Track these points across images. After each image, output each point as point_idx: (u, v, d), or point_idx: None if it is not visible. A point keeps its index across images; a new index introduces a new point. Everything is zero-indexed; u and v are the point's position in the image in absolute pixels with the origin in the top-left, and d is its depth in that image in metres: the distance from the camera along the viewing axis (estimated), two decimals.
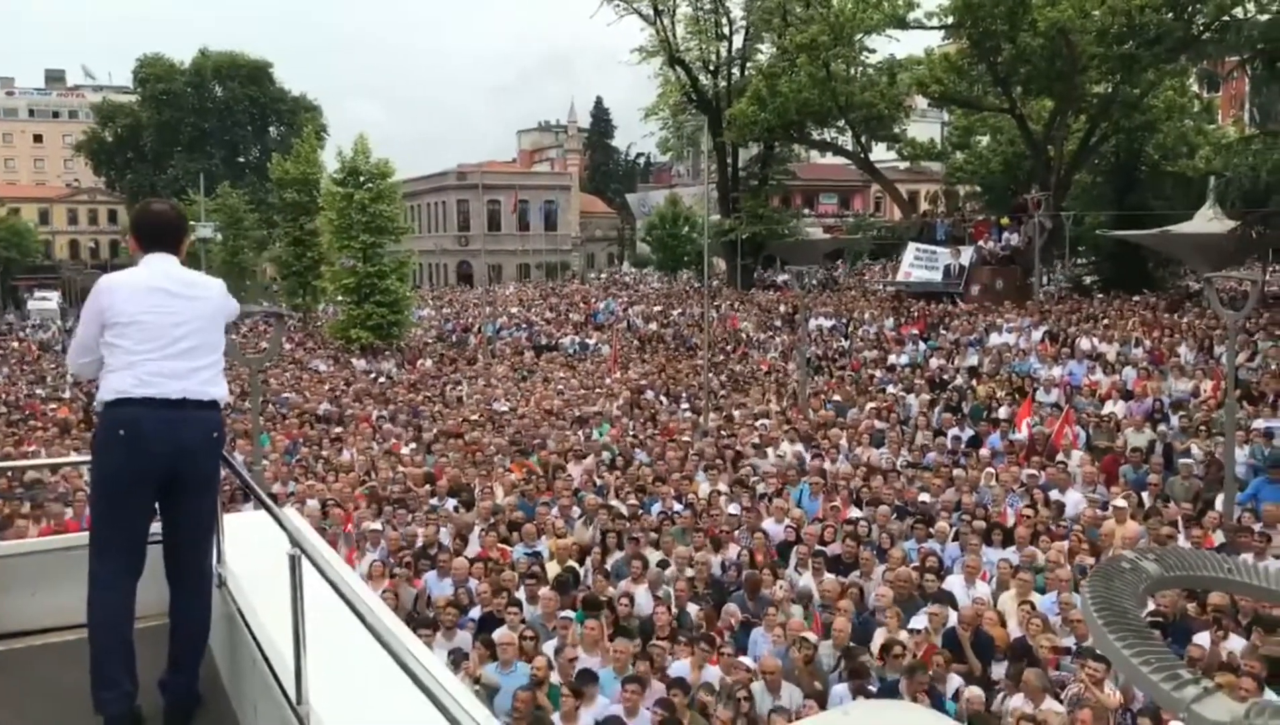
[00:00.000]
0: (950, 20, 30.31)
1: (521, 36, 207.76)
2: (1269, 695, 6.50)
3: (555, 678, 7.31)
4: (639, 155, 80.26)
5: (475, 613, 8.63)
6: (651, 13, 37.72)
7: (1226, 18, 27.13)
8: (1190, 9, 27.15)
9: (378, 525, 10.61)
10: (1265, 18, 24.75)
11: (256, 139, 64.70)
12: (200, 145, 61.90)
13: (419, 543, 10.31)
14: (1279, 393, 14.03)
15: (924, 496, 11.44)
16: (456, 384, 22.07)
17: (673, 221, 47.61)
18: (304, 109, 62.84)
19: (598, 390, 20.82)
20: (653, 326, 30.20)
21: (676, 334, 28.58)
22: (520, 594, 8.83)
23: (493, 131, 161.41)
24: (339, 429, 17.00)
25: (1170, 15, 26.78)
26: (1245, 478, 11.39)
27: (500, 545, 10.27)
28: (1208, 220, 23.74)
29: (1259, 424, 12.87)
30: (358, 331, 28.92)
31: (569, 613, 8.36)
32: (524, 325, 32.50)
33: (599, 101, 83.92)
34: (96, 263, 72.94)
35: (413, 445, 15.53)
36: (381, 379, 23.79)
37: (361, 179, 30.27)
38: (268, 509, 2.83)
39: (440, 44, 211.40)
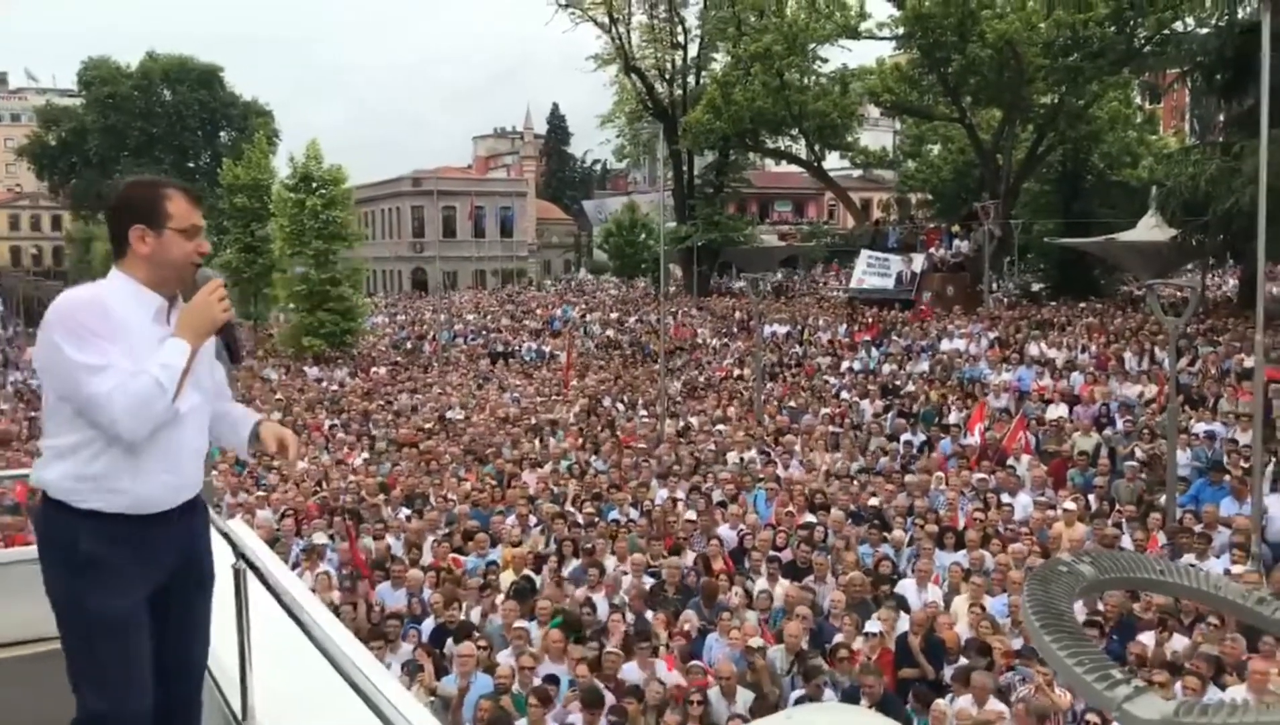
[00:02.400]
0: (901, 31, 30.74)
1: (477, 43, 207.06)
2: (1213, 692, 6.66)
3: (516, 686, 7.27)
4: (595, 162, 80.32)
5: (428, 623, 8.56)
6: (607, 21, 37.81)
7: (1167, 32, 27.89)
8: (1132, 23, 27.86)
9: (324, 538, 10.45)
10: (1204, 31, 25.41)
11: (206, 144, 63.60)
12: (148, 150, 60.70)
13: (372, 554, 10.19)
14: (1219, 396, 14.39)
15: (875, 501, 11.56)
16: (413, 392, 21.87)
17: (630, 228, 47.68)
18: (255, 114, 61.89)
19: (554, 398, 20.76)
20: (609, 333, 30.20)
21: (633, 341, 28.61)
22: (475, 604, 8.78)
23: (448, 138, 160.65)
24: None
25: (1113, 29, 27.47)
26: (1190, 479, 11.67)
27: (454, 555, 10.19)
28: (1150, 228, 24.26)
29: (1200, 427, 13.19)
30: (310, 340, 28.55)
31: (524, 622, 8.31)
32: (479, 332, 32.32)
33: (555, 108, 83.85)
34: (38, 270, 71.24)
35: (365, 454, 15.36)
36: (334, 388, 23.50)
37: (314, 185, 29.91)
38: (211, 522, 2.79)
39: (395, 50, 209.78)
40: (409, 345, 31.38)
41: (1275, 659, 6.61)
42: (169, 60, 61.92)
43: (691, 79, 39.29)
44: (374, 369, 26.58)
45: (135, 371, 2.25)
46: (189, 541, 2.55)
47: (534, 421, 17.61)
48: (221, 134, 63.98)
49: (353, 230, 31.26)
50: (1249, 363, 13.58)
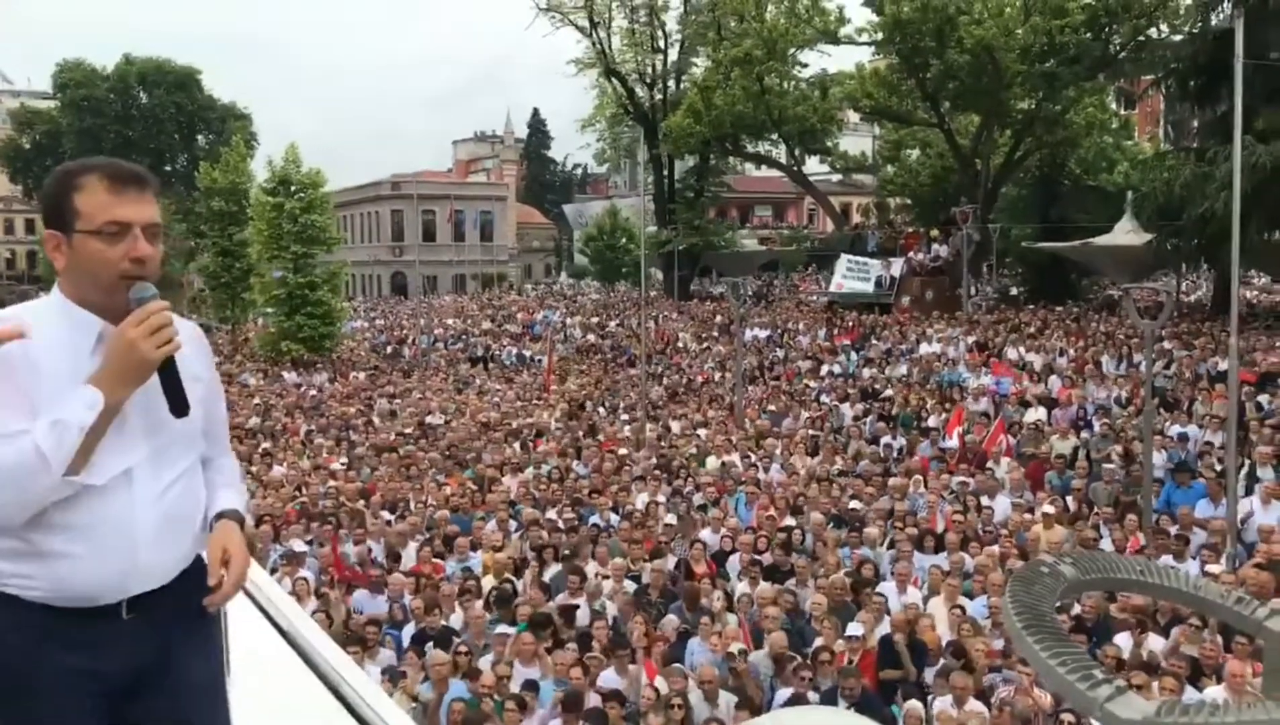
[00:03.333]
0: (880, 37, 30.98)
1: (457, 47, 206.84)
2: (1190, 693, 6.72)
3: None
4: (576, 166, 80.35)
5: (409, 629, 8.51)
6: (588, 25, 37.83)
7: (1142, 38, 28.30)
8: (1108, 30, 28.22)
9: (302, 545, 10.36)
10: (1178, 38, 25.76)
11: (184, 147, 63.10)
12: (124, 153, 59.95)
13: (353, 559, 10.13)
14: (1194, 399, 14.54)
15: (856, 504, 11.60)
16: (393, 397, 21.77)
17: (610, 233, 47.70)
18: (233, 117, 61.49)
19: (535, 402, 20.71)
20: (590, 338, 30.17)
21: (614, 345, 28.59)
22: (456, 609, 8.74)
23: (428, 142, 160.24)
24: (268, 444, 16.64)
25: (1089, 35, 27.81)
26: (1164, 480, 11.77)
27: (434, 560, 10.14)
28: (1126, 233, 24.55)
29: (1175, 430, 13.33)
30: (288, 344, 28.34)
31: (507, 627, 8.28)
32: (460, 337, 32.21)
33: (535, 112, 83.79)
34: (12, 274, 70.41)
35: (344, 460, 15.27)
36: (313, 392, 23.35)
37: (293, 189, 29.72)
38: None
39: (375, 54, 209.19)
40: (388, 350, 31.24)
41: (1251, 660, 6.67)
42: (146, 63, 61.43)
43: (672, 83, 39.37)
44: (353, 374, 26.43)
45: (12, 432, 1.67)
46: (157, 654, 1.89)
47: (515, 426, 17.56)
48: (199, 137, 63.52)
49: (331, 234, 31.09)
50: (1223, 366, 13.72)
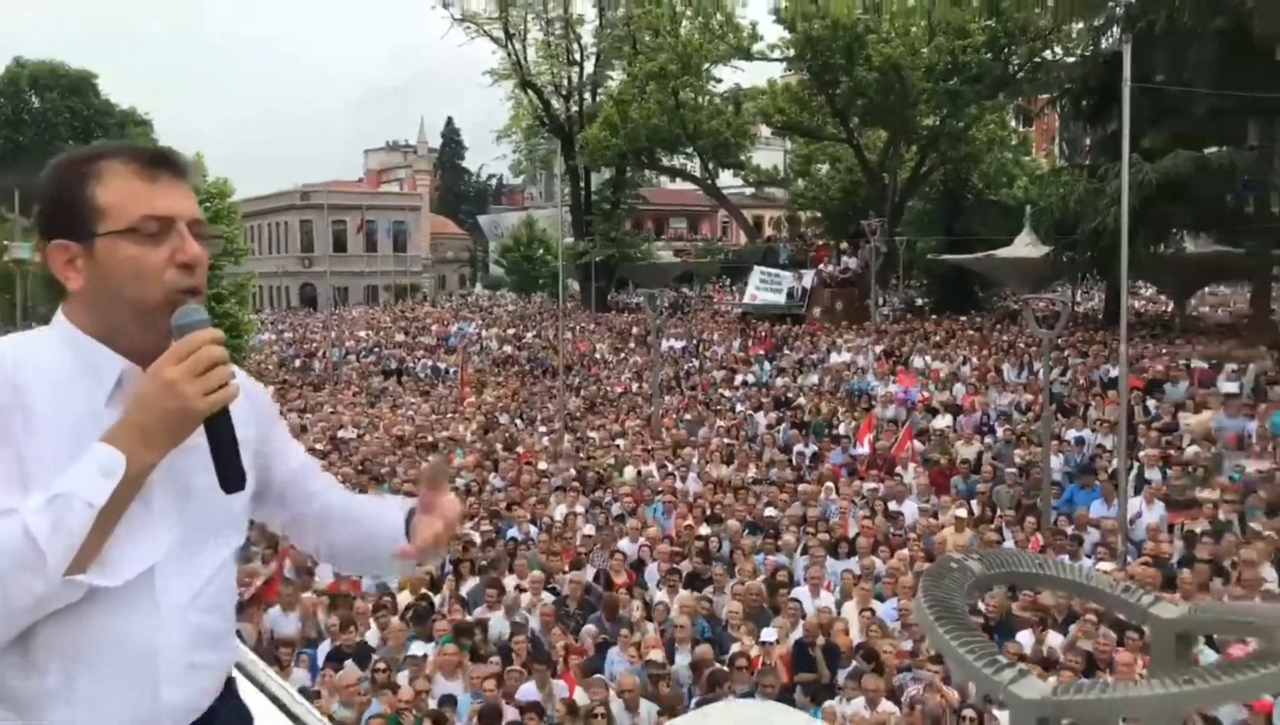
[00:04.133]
0: (791, 53, 31.66)
1: (369, 55, 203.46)
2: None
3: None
4: (491, 177, 79.79)
5: (324, 647, 8.35)
6: (503, 36, 37.72)
7: (1038, 60, 29.56)
8: (1007, 51, 29.38)
9: None
10: (1071, 61, 26.94)
11: None
12: (15, 159, 57.58)
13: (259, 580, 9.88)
14: (1088, 404, 15.21)
15: (771, 511, 11.80)
16: (303, 411, 21.29)
17: (527, 244, 47.52)
18: (133, 123, 59.41)
19: (450, 415, 20.51)
20: (507, 349, 30.00)
21: (531, 356, 28.49)
22: (371, 626, 8.61)
23: (338, 150, 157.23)
24: None
25: (990, 56, 28.94)
26: (1063, 483, 12.29)
27: (350, 577, 9.96)
28: (1025, 246, 25.53)
29: (1071, 434, 13.91)
30: None
31: (422, 644, 8.19)
32: (372, 349, 31.68)
33: (449, 122, 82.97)
34: None
35: None
36: None
37: (198, 198, 28.87)
38: None
39: (282, 60, 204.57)
40: (298, 363, 30.53)
41: (1140, 653, 7.02)
42: (38, 65, 58.96)
43: (588, 96, 39.50)
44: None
45: (4, 510, 1.20)
46: None
47: (430, 439, 17.36)
48: (95, 143, 61.15)
49: (238, 245, 30.28)
50: (1115, 373, 14.40)
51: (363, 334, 35.26)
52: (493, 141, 43.36)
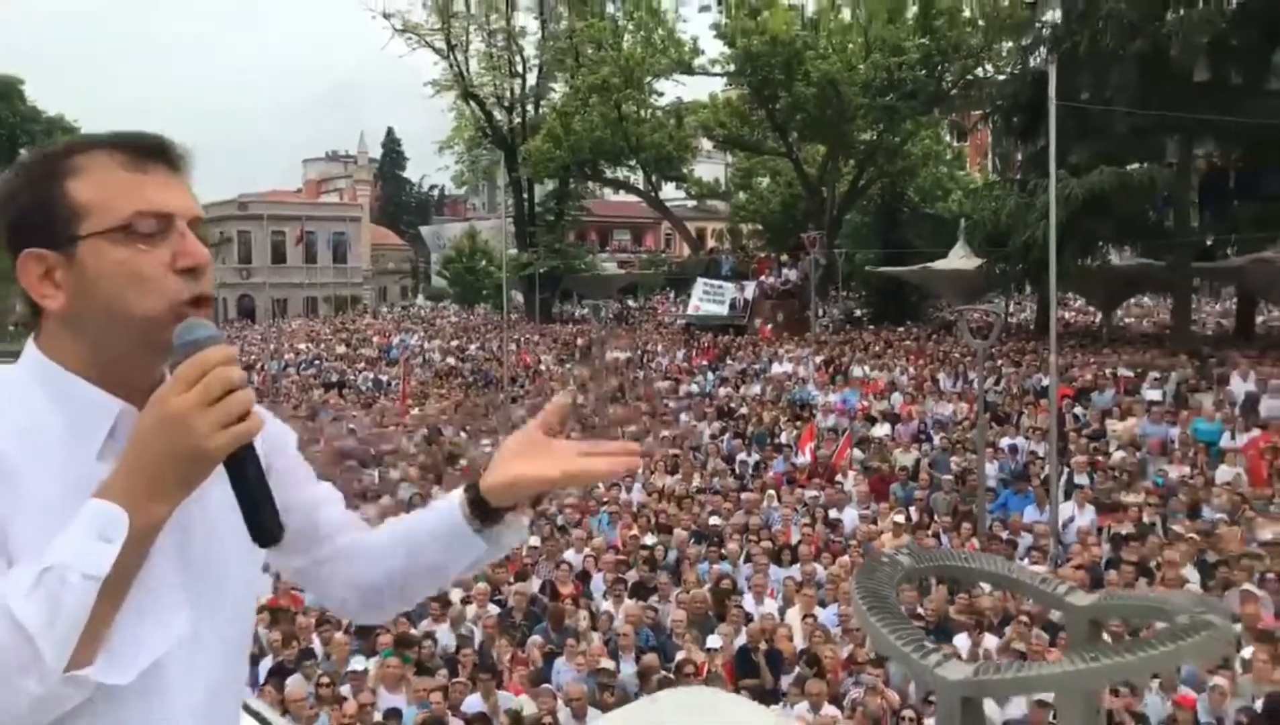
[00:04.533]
0: (732, 68, 32.13)
1: (307, 63, 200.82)
2: None
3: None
4: (433, 187, 79.31)
5: (266, 663, 8.26)
6: (445, 47, 37.62)
7: (970, 77, 30.42)
8: (941, 68, 30.17)
9: None
10: (1002, 78, 27.76)
11: (3, 161, 58.94)
12: None
13: None
14: (1021, 413, 15.65)
15: (715, 520, 11.95)
16: None
17: (470, 255, 47.33)
18: (60, 130, 57.87)
19: (392, 428, 20.33)
20: (450, 361, 29.82)
21: (475, 368, 28.36)
22: (315, 641, 8.55)
23: (276, 160, 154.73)
24: None
25: (924, 72, 29.69)
26: (997, 489, 12.65)
27: (293, 591, 9.85)
28: (959, 258, 26.18)
29: (1005, 442, 14.31)
30: None
31: (362, 659, 8.15)
32: (312, 362, 31.25)
33: (390, 132, 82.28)
34: None
35: None
36: None
37: None
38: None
39: (218, 68, 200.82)
40: None
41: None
42: None
43: (531, 108, 39.55)
44: None
45: None
46: None
47: (373, 452, 17.20)
48: (21, 151, 59.49)
49: None
50: (1046, 382, 14.85)
51: (302, 346, 34.75)
52: (435, 152, 43.17)
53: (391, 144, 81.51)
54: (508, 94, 39.36)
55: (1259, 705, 6.53)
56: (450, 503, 1.34)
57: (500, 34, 38.29)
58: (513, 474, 1.29)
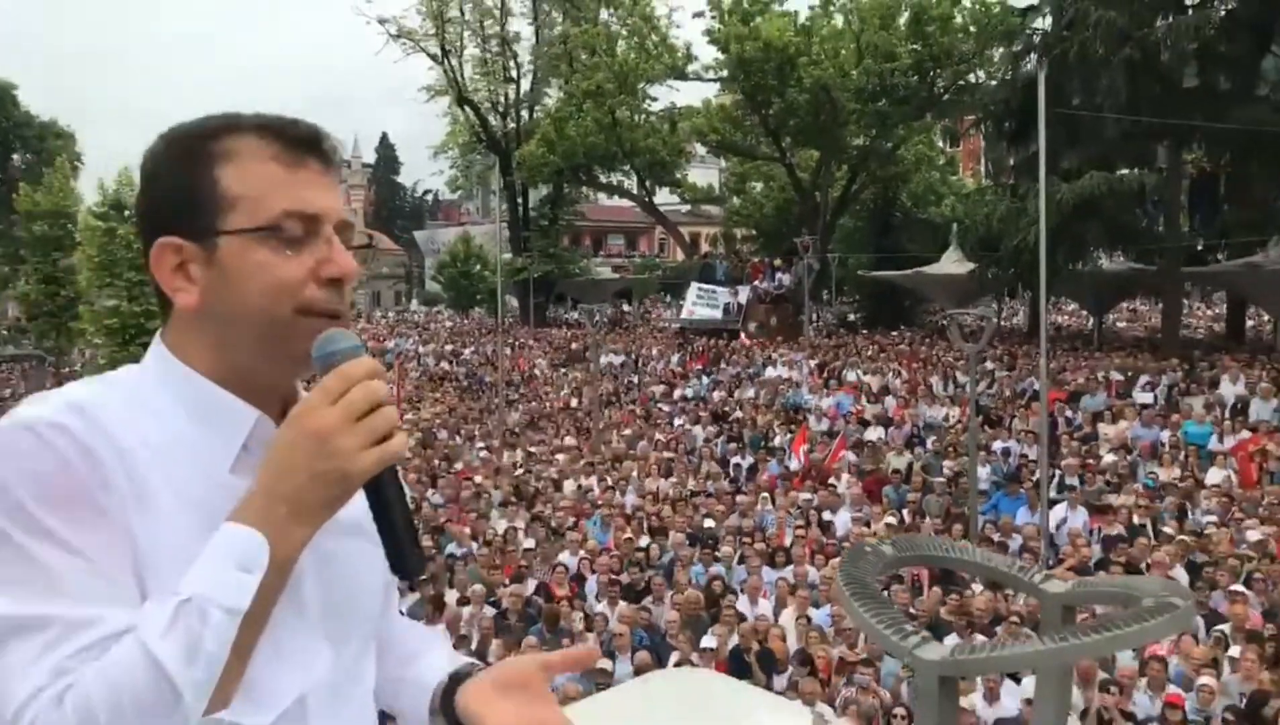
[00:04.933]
0: (725, 74, 32.26)
1: (301, 67, 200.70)
2: (1008, 684, 7.37)
3: None
4: (427, 192, 79.38)
5: None
6: (439, 52, 37.73)
7: (962, 83, 30.60)
8: (933, 74, 30.34)
9: None
10: (993, 84, 27.93)
11: None
12: None
13: None
14: (1013, 416, 15.75)
15: (709, 523, 12.03)
16: None
17: (464, 260, 47.38)
18: (54, 135, 57.83)
19: None
20: (444, 365, 29.89)
21: (469, 372, 28.42)
22: None
23: None
24: None
25: (916, 78, 29.88)
26: (989, 492, 12.75)
27: None
28: (952, 262, 26.29)
29: (997, 445, 14.41)
30: None
31: None
32: None
33: (384, 137, 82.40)
34: None
35: None
36: None
37: (126, 213, 28.28)
38: None
39: (212, 70, 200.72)
40: None
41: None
42: None
43: (525, 113, 39.67)
44: None
45: (97, 631, 0.88)
46: None
47: None
48: (14, 156, 59.42)
49: None
50: (1038, 385, 14.96)
51: None
52: (429, 157, 43.22)
53: (385, 149, 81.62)
54: (502, 99, 39.50)
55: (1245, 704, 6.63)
56: (431, 678, 1.25)
57: (495, 40, 38.43)
58: (495, 721, 1.16)
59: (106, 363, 27.70)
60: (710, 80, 33.93)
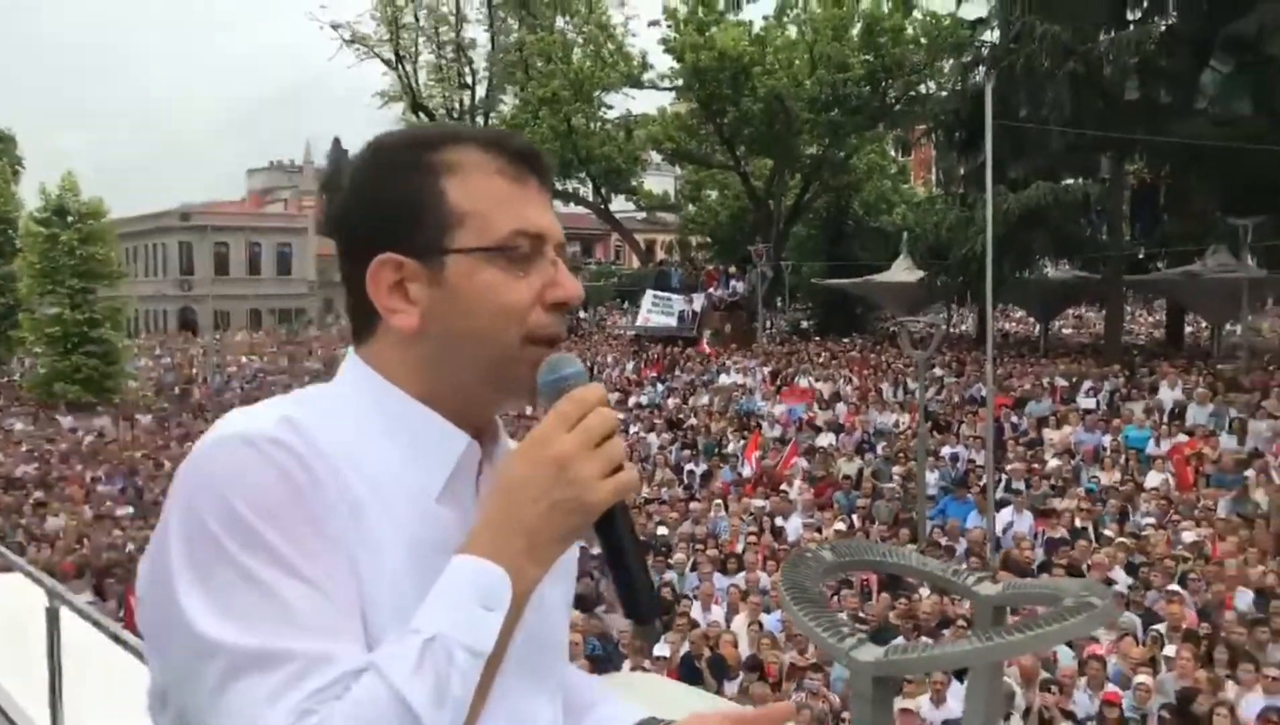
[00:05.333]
0: (680, 83, 32.49)
1: (252, 73, 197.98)
2: (955, 686, 7.50)
3: None
4: None
5: None
6: (393, 58, 37.52)
7: (914, 93, 31.13)
8: (885, 84, 30.83)
9: (88, 598, 9.76)
10: (943, 95, 28.44)
11: None
12: None
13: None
14: (961, 422, 16.03)
15: (662, 529, 12.08)
16: (184, 440, 20.61)
17: None
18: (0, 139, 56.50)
19: None
20: None
21: None
22: None
23: (220, 170, 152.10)
24: (40, 493, 15.44)
25: (868, 88, 30.35)
26: (937, 497, 12.96)
27: None
28: (902, 270, 26.67)
29: (946, 451, 14.66)
30: (63, 386, 26.24)
31: None
32: (255, 376, 30.84)
33: (337, 142, 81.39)
34: None
35: (130, 509, 14.40)
36: (91, 438, 21.75)
37: (69, 218, 27.72)
38: (17, 566, 2.72)
39: (160, 75, 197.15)
40: (177, 390, 29.47)
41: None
42: None
43: (480, 120, 39.54)
44: (138, 417, 24.79)
45: (351, 670, 0.80)
46: None
47: None
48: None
49: (114, 267, 29.16)
50: (985, 391, 15.24)
51: (245, 359, 34.28)
52: None
53: (338, 155, 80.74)
54: (457, 105, 39.37)
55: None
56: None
57: (450, 46, 38.33)
58: None
59: (48, 371, 27.10)
60: (666, 89, 34.19)
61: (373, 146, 1.00)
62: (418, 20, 37.93)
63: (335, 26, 36.68)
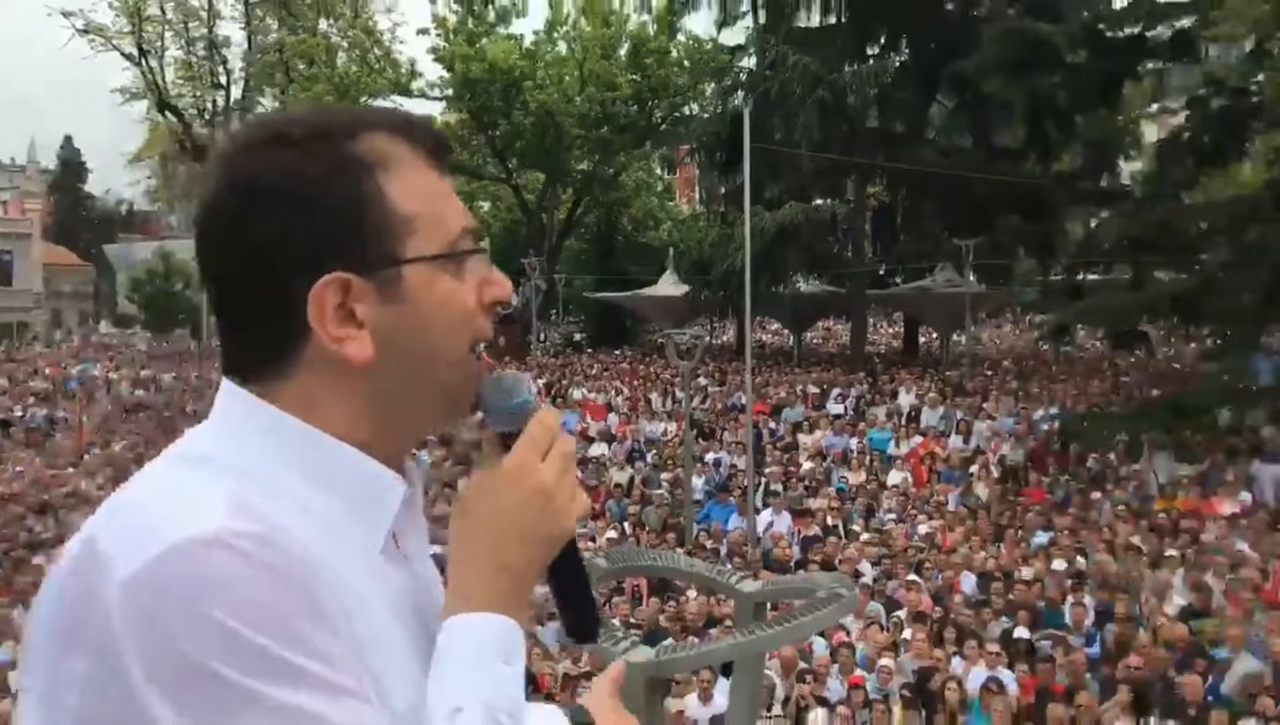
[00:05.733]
0: (450, 93, 32.10)
1: None
2: (721, 683, 7.86)
3: None
4: (120, 202, 72.22)
5: None
6: (135, 52, 34.65)
7: (678, 114, 32.40)
8: (651, 104, 31.88)
9: None
10: (706, 116, 29.78)
11: None
12: None
13: None
14: (724, 429, 16.80)
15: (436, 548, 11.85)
16: None
17: (164, 277, 43.62)
18: None
19: (70, 469, 18.34)
20: (140, 393, 27.32)
21: (169, 401, 26.17)
22: None
23: None
24: None
25: (636, 107, 31.29)
26: (703, 501, 13.50)
27: None
28: (669, 285, 27.66)
29: (710, 456, 15.31)
30: None
31: None
32: None
33: (69, 140, 74.08)
34: None
35: None
36: None
37: None
38: None
39: None
40: None
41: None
42: None
43: (237, 122, 37.29)
44: None
45: None
46: None
47: (46, 498, 15.46)
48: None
49: None
50: (745, 399, 16.06)
51: None
52: (124, 166, 39.45)
53: (70, 153, 73.44)
54: (210, 106, 36.91)
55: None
56: None
57: (201, 42, 35.87)
58: None
59: None
60: (436, 98, 33.65)
61: (265, 137, 0.80)
62: (164, 13, 35.26)
63: (66, 15, 33.44)
